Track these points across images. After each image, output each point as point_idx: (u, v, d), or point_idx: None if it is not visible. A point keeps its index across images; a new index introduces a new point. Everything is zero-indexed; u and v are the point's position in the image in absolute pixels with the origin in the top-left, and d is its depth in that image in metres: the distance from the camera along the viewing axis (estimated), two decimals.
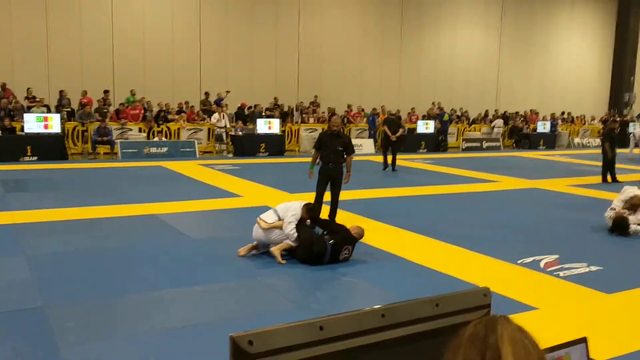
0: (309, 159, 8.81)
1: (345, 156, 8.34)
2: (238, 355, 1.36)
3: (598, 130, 27.55)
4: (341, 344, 1.50)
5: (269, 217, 6.58)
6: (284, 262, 6.35)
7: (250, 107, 20.58)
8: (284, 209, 6.61)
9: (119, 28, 20.07)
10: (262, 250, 6.69)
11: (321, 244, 6.32)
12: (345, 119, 21.13)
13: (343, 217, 8.37)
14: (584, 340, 2.00)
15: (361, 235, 6.69)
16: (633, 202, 8.38)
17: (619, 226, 8.21)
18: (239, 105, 20.37)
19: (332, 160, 8.23)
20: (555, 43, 30.93)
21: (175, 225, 8.09)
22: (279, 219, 6.53)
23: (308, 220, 6.71)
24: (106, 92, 18.86)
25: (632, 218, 8.25)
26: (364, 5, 24.93)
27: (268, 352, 1.38)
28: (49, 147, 15.38)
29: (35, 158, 15.08)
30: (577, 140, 26.96)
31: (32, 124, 15.33)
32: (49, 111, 17.15)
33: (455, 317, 1.69)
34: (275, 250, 6.43)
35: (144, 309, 4.99)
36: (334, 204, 8.40)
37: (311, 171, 8.51)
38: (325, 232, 6.61)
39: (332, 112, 19.53)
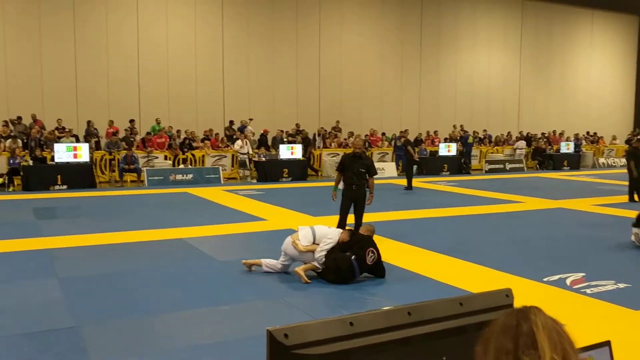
0: (332, 183, 8.90)
1: (367, 178, 8.44)
2: (274, 347, 1.46)
3: (624, 150, 27.23)
4: (370, 338, 1.59)
5: (305, 239, 6.64)
6: (309, 281, 6.43)
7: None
8: (322, 235, 6.66)
9: (144, 59, 20.65)
10: (266, 270, 6.77)
11: (346, 261, 6.40)
12: (367, 143, 21.30)
13: None
14: (607, 343, 2.04)
15: (372, 231, 6.88)
16: None
17: None
18: (262, 131, 20.68)
19: (355, 182, 8.34)
20: (575, 61, 30.80)
21: (201, 249, 8.24)
22: (314, 241, 6.63)
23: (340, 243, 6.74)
24: (132, 121, 19.33)
25: None
26: (383, 29, 25.24)
27: (302, 344, 1.48)
28: (78, 176, 15.79)
29: (65, 187, 15.48)
30: (602, 160, 26.66)
31: (62, 153, 15.77)
32: (77, 141, 17.63)
33: (478, 315, 1.77)
34: (300, 270, 6.51)
35: (173, 328, 5.10)
36: (358, 226, 8.45)
37: (334, 193, 8.61)
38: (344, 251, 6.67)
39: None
